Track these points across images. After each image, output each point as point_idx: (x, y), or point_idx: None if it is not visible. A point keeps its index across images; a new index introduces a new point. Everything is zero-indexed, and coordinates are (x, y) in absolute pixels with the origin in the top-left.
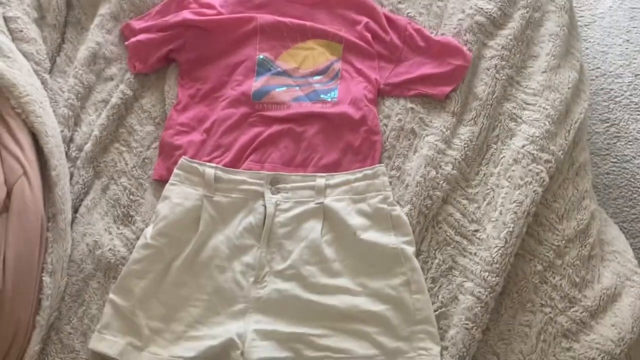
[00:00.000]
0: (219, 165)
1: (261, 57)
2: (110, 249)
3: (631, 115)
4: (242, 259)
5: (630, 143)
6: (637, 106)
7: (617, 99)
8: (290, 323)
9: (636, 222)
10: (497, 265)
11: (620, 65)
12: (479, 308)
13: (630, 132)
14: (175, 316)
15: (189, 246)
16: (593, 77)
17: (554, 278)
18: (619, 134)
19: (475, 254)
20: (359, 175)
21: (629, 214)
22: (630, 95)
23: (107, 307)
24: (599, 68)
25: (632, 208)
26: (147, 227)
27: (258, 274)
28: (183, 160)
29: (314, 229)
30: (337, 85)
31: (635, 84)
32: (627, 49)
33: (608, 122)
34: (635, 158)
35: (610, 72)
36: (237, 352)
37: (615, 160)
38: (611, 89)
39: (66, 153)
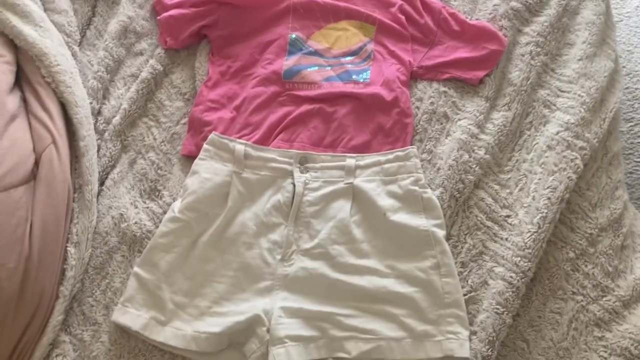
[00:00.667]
0: (249, 142)
1: (293, 36)
2: (136, 223)
3: None
4: (269, 236)
5: None
6: None
7: None
8: (317, 302)
9: None
10: (530, 251)
11: None
12: (510, 293)
13: None
14: (199, 292)
15: (217, 221)
16: None
17: (586, 266)
18: None
19: (506, 239)
20: (390, 156)
21: None
22: None
23: (131, 280)
24: (624, 67)
25: None
26: (174, 201)
27: (285, 252)
28: (213, 135)
29: (342, 208)
30: (369, 67)
31: None
32: None
33: (632, 122)
34: None
35: (636, 71)
36: (263, 329)
37: (638, 159)
38: (636, 89)
39: (94, 125)
